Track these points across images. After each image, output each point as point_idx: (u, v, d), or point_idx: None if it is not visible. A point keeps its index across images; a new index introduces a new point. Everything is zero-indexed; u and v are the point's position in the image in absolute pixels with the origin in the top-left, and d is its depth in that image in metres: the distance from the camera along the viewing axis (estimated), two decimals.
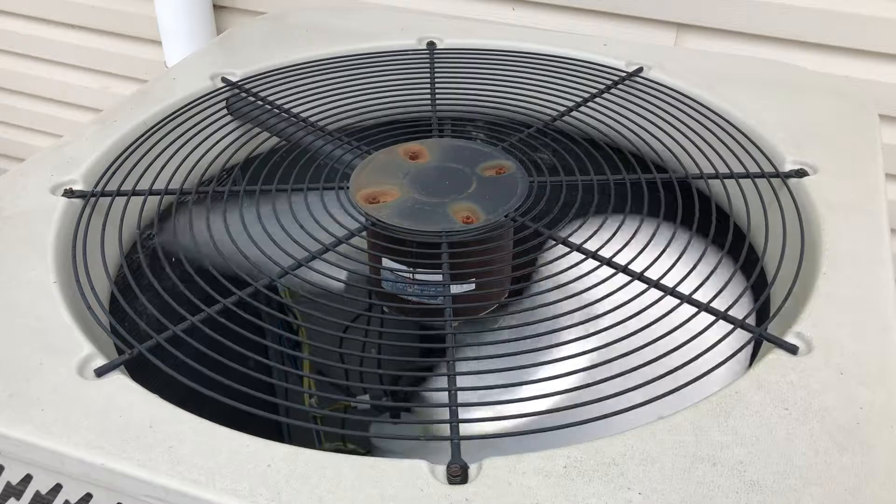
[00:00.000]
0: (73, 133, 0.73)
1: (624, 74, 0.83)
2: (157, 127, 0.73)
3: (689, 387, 0.48)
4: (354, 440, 0.79)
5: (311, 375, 0.62)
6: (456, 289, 0.62)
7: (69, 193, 0.65)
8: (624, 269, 0.58)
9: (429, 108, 0.80)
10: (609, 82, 0.82)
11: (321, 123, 0.77)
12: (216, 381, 0.48)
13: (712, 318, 0.54)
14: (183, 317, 0.54)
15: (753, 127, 0.74)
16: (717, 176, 0.68)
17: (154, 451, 0.44)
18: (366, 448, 0.78)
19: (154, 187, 0.67)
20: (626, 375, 0.49)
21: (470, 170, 0.69)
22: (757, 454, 0.44)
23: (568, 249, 0.61)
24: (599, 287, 0.57)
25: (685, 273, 0.57)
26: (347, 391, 0.79)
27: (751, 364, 0.51)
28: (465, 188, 0.66)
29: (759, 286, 0.59)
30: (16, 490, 0.46)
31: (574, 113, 0.78)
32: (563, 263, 0.59)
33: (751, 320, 0.54)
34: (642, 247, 0.60)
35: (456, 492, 0.42)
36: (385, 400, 0.78)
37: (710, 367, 0.49)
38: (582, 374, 0.49)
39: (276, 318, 0.64)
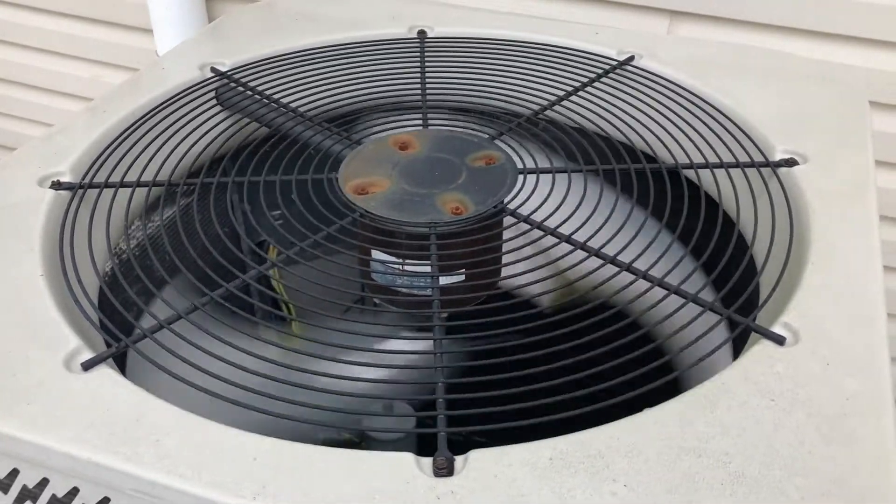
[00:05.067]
0: (60, 124, 0.72)
1: (615, 63, 0.82)
2: (145, 118, 0.73)
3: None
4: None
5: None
6: (445, 280, 0.62)
7: (56, 185, 0.64)
8: (612, 260, 0.58)
9: (419, 97, 0.80)
10: (600, 71, 0.82)
11: (311, 113, 0.77)
12: (204, 373, 0.48)
13: (699, 308, 0.54)
14: (170, 310, 0.54)
15: (744, 116, 0.74)
16: (706, 165, 0.68)
17: (140, 445, 0.44)
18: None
19: (142, 179, 0.67)
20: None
21: (459, 160, 0.68)
22: (743, 445, 0.44)
23: (557, 240, 0.61)
24: (587, 277, 0.57)
25: (673, 264, 0.57)
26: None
27: (737, 355, 0.51)
28: (454, 179, 0.66)
29: (747, 276, 0.59)
30: (2, 484, 0.46)
31: (565, 102, 0.78)
32: (553, 254, 0.59)
33: (738, 311, 0.54)
34: (631, 237, 0.60)
35: (442, 484, 0.42)
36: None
37: (696, 357, 0.49)
38: (569, 365, 0.49)
39: (267, 312, 0.64)
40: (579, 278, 0.57)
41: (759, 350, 0.51)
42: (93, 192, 0.65)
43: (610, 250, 0.59)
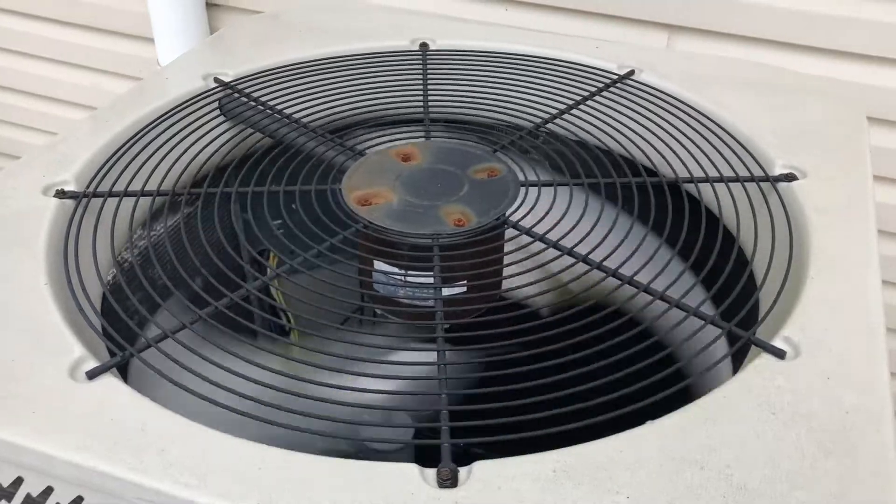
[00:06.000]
0: (64, 132, 0.73)
1: (615, 77, 0.83)
2: (149, 127, 0.73)
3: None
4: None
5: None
6: (447, 291, 0.63)
7: (61, 194, 0.64)
8: (614, 273, 0.59)
9: (421, 109, 0.80)
10: (601, 85, 0.82)
11: (313, 125, 0.77)
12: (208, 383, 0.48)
13: (700, 322, 0.54)
14: (174, 319, 0.54)
15: (743, 131, 0.74)
16: (706, 180, 0.69)
17: (145, 454, 0.44)
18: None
19: (146, 188, 0.67)
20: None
21: (462, 172, 0.69)
22: (744, 458, 0.45)
23: (558, 252, 0.61)
24: (588, 291, 0.57)
25: (674, 277, 0.57)
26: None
27: (738, 368, 0.52)
28: (456, 191, 0.67)
29: (747, 290, 0.59)
30: (6, 492, 0.46)
31: (566, 115, 0.78)
32: (555, 267, 0.60)
33: (739, 324, 0.54)
34: (632, 251, 0.60)
35: (446, 495, 0.42)
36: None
37: (697, 371, 0.50)
38: (572, 377, 0.49)
39: (267, 321, 0.64)
40: (581, 291, 0.58)
41: (759, 363, 0.51)
42: (97, 201, 0.65)
43: (611, 263, 0.59)
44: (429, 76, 0.84)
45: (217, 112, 0.79)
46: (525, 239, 0.63)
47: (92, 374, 0.49)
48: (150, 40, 1.37)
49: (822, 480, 0.44)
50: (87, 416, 0.46)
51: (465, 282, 0.64)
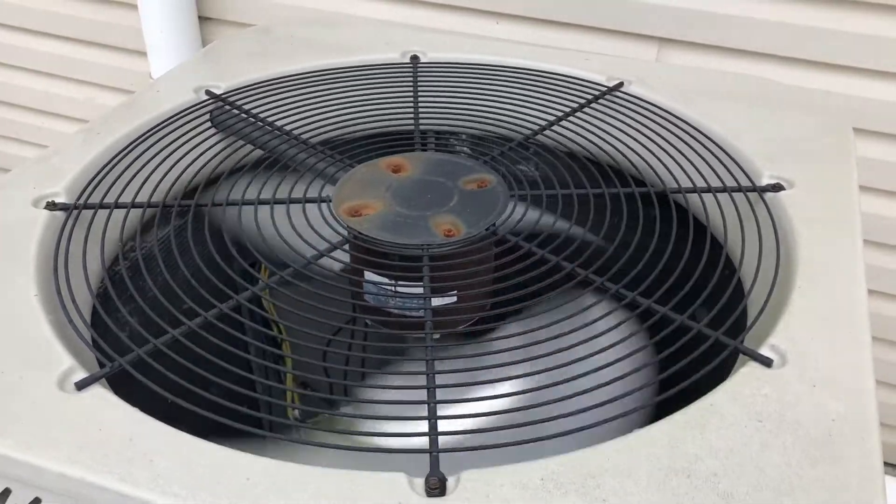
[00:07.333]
0: (56, 145, 0.73)
1: (605, 89, 0.84)
2: (140, 139, 0.74)
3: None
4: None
5: (293, 389, 0.62)
6: (437, 301, 0.63)
7: (51, 206, 0.65)
8: (602, 283, 0.59)
9: (412, 121, 0.81)
10: (590, 97, 0.83)
11: (304, 136, 0.78)
12: (198, 394, 0.49)
13: (688, 330, 0.54)
14: (164, 330, 0.54)
15: (731, 142, 0.75)
16: (694, 190, 0.69)
17: (134, 465, 0.44)
18: None
19: (137, 200, 0.67)
20: (603, 388, 0.49)
21: (452, 183, 0.69)
22: (731, 466, 0.45)
23: (548, 262, 0.62)
24: (577, 300, 0.58)
25: (662, 286, 0.58)
26: (330, 403, 0.79)
27: (725, 377, 0.52)
28: (446, 201, 0.67)
29: (735, 299, 0.60)
30: None
31: (555, 127, 0.79)
32: (543, 277, 0.60)
33: (726, 333, 0.54)
34: (621, 260, 0.61)
35: None
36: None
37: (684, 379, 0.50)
38: (560, 386, 0.50)
39: (258, 332, 0.64)
40: (569, 300, 0.58)
41: (746, 372, 0.51)
42: (87, 213, 0.65)
43: (600, 273, 0.60)
44: (420, 88, 0.85)
45: (208, 124, 0.79)
46: (515, 249, 0.63)
47: (81, 385, 0.49)
48: (143, 54, 1.37)
49: (809, 488, 0.44)
50: (76, 428, 0.46)
51: (455, 292, 0.64)
